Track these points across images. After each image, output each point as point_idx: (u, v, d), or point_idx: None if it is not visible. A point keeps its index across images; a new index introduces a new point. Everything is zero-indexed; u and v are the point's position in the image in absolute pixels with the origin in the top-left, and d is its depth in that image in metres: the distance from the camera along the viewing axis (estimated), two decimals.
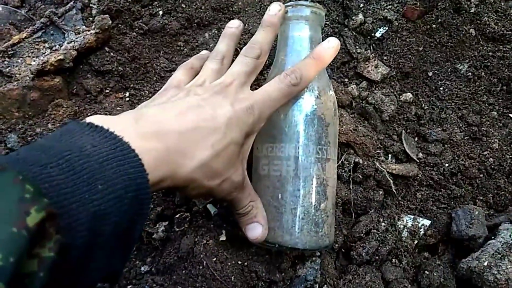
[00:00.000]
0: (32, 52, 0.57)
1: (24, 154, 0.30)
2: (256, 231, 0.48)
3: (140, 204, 0.33)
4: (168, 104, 0.42)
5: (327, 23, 0.62)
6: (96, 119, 0.34)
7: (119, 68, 0.59)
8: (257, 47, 0.49)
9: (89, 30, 0.57)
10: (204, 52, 0.59)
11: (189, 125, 0.39)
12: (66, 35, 0.58)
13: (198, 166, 0.39)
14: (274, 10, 0.51)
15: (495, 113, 0.64)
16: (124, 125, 0.35)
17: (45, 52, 0.56)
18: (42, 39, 0.58)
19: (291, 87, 0.46)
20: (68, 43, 0.56)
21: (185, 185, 0.39)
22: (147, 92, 0.60)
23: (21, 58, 0.56)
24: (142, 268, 0.53)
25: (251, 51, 0.49)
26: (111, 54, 0.59)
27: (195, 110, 0.41)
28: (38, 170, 0.28)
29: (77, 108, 0.56)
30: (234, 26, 0.54)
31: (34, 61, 0.56)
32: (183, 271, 0.52)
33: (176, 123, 0.39)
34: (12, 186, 0.25)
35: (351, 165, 0.58)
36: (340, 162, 0.58)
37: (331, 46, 0.49)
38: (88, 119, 0.34)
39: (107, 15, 0.57)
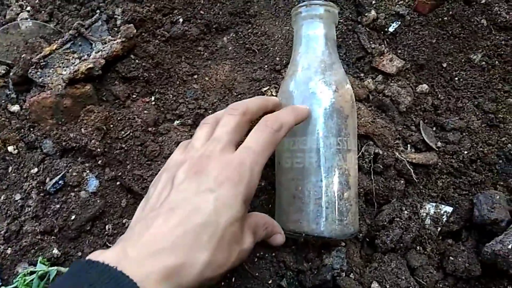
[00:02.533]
0: (63, 63, 0.60)
1: None
2: (278, 240, 0.51)
3: None
4: (151, 218, 0.40)
5: (341, 20, 0.64)
6: (95, 255, 0.36)
7: (144, 74, 0.62)
8: (242, 106, 0.48)
9: (115, 40, 0.60)
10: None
11: (177, 233, 0.37)
12: (93, 45, 0.61)
13: (203, 269, 0.37)
14: None
15: (511, 99, 0.65)
16: (119, 256, 0.36)
17: (75, 62, 0.60)
18: (71, 50, 0.61)
19: (274, 133, 0.45)
20: (96, 52, 0.59)
21: (197, 286, 0.38)
22: (171, 95, 0.63)
23: (52, 69, 0.60)
24: None
25: (233, 110, 0.47)
26: (137, 61, 0.62)
27: (179, 214, 0.39)
28: None
29: (107, 113, 0.59)
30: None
31: (65, 70, 0.59)
32: None
33: (163, 235, 0.37)
34: None
35: (371, 156, 0.59)
36: (360, 153, 0.59)
37: (306, 109, 0.51)
38: (89, 256, 0.36)
39: (132, 25, 0.60)
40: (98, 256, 0.35)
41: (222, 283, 0.54)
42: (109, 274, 0.33)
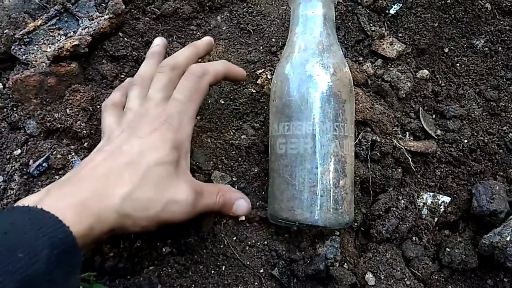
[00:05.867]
0: (48, 39, 0.57)
1: None
2: (241, 206, 0.50)
3: (71, 255, 0.34)
4: (84, 164, 0.42)
5: (340, 1, 0.62)
6: (19, 202, 0.37)
7: (133, 53, 0.59)
8: (170, 62, 0.49)
9: (102, 16, 0.57)
10: (128, 80, 0.56)
11: (101, 171, 0.40)
12: (80, 21, 0.58)
13: (122, 202, 0.39)
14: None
15: None
16: (40, 197, 0.37)
17: (60, 39, 0.57)
18: (57, 26, 0.58)
19: (197, 80, 0.48)
20: (82, 29, 0.56)
21: (120, 224, 0.39)
22: None
23: (36, 46, 0.57)
24: (164, 249, 0.53)
25: (162, 68, 0.49)
26: (125, 39, 0.59)
27: (107, 158, 0.42)
28: None
29: (93, 93, 0.56)
30: (157, 44, 0.55)
31: (50, 47, 0.56)
32: (204, 251, 0.52)
33: (88, 174, 0.40)
34: None
35: (369, 143, 0.57)
36: (357, 140, 0.57)
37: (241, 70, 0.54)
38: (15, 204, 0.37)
39: (120, 0, 0.57)
40: (21, 201, 0.37)
41: (212, 271, 0.52)
42: (29, 213, 0.34)
